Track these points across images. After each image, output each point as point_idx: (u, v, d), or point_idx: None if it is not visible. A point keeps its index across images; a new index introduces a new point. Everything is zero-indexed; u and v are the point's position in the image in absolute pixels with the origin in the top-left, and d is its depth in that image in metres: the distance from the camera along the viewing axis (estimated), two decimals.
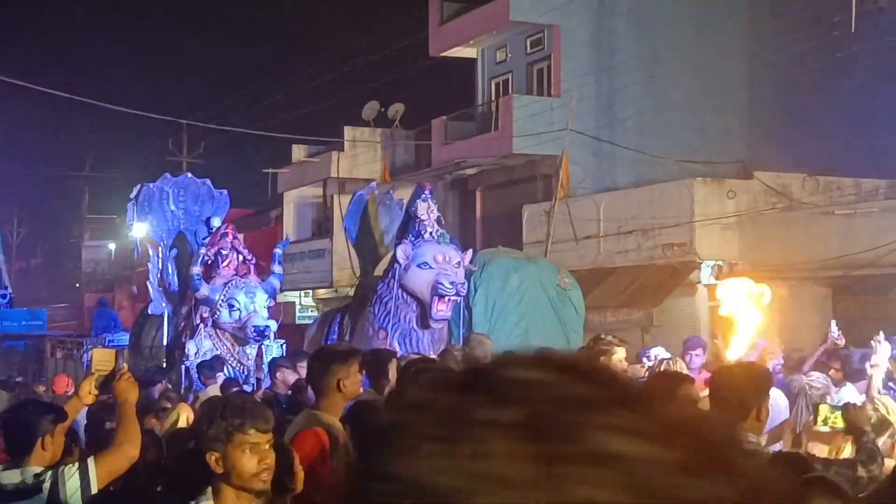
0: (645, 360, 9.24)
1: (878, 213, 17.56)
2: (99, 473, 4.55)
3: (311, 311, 29.79)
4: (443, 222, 12.53)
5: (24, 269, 43.46)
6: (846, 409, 5.77)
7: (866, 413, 5.84)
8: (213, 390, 10.81)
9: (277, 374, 10.10)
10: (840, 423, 5.82)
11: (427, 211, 12.20)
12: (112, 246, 45.95)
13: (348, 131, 29.68)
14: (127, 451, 4.72)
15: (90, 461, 4.62)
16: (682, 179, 20.69)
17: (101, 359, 5.55)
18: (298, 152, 32.73)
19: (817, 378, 7.83)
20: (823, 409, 5.94)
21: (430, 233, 12.09)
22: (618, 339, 7.44)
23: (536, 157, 23.86)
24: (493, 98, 26.16)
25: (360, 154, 29.41)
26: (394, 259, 12.08)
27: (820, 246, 17.93)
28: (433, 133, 26.70)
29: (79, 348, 20.56)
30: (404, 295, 11.86)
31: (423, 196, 12.33)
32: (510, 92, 25.75)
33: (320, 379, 5.09)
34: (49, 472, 4.55)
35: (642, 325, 19.39)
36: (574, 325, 14.57)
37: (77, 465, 4.63)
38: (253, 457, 3.44)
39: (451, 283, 11.50)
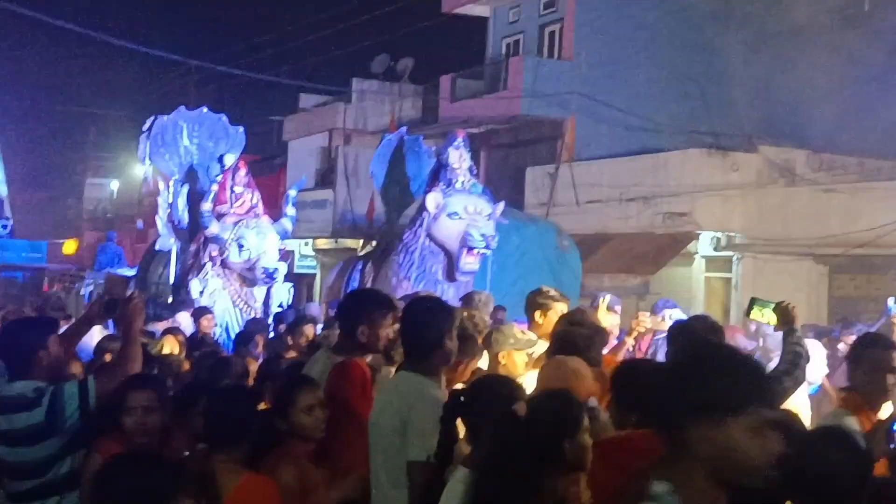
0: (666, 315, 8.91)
1: (881, 192, 17.62)
2: (99, 391, 4.66)
3: (311, 260, 29.93)
4: (474, 171, 12.07)
5: (27, 204, 43.49)
6: (779, 303, 5.24)
7: (797, 315, 5.23)
8: (183, 318, 11.14)
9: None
10: (772, 320, 5.30)
11: (459, 159, 11.75)
12: (115, 185, 45.97)
13: (356, 83, 29.67)
14: (127, 371, 4.83)
15: (90, 379, 4.74)
16: (686, 149, 20.73)
17: (114, 283, 5.72)
18: (305, 101, 32.74)
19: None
20: (757, 303, 5.36)
21: (462, 182, 11.66)
22: (559, 293, 6.72)
23: (543, 120, 23.86)
24: (503, 58, 26.09)
25: (368, 106, 29.40)
26: (422, 207, 11.63)
27: (820, 223, 18.01)
28: (441, 90, 26.65)
29: (79, 281, 20.67)
30: (431, 245, 11.44)
31: (456, 143, 11.85)
32: (520, 52, 25.68)
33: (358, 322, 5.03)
34: (50, 388, 4.67)
35: (638, 292, 19.51)
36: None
37: (78, 382, 4.76)
38: None
39: (482, 235, 11.11)
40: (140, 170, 41.90)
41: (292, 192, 13.89)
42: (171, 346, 8.46)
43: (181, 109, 14.56)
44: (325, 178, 29.04)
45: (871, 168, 19.84)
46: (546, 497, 3.25)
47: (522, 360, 5.68)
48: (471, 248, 11.07)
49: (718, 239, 20.28)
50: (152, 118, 14.35)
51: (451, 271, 11.31)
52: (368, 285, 11.81)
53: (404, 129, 14.10)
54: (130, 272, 18.36)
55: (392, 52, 29.38)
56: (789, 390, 5.00)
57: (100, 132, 47.37)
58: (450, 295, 10.76)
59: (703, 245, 20.49)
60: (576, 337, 5.07)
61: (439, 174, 11.80)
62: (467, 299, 8.33)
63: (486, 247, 11.15)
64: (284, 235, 13.23)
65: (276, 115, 33.57)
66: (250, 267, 12.53)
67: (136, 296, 5.33)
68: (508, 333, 5.79)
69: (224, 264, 12.70)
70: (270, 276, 12.45)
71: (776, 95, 22.90)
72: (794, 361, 4.95)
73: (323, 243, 28.99)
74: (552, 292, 6.66)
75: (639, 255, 20.05)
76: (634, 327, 7.21)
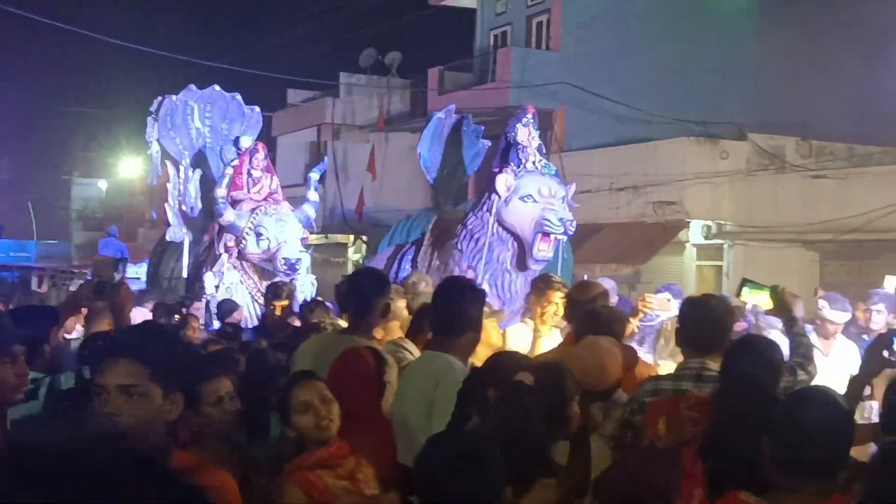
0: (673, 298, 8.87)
1: (870, 178, 17.64)
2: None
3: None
4: (543, 150, 11.12)
5: (15, 204, 43.36)
6: (774, 287, 5.09)
7: (792, 296, 5.06)
8: (141, 314, 10.02)
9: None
10: (762, 302, 5.18)
11: (528, 137, 10.73)
12: (103, 184, 45.84)
13: (344, 77, 29.61)
14: None
15: (85, 369, 4.70)
16: (675, 138, 20.72)
17: (102, 265, 5.60)
18: (293, 97, 32.65)
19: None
20: (748, 284, 5.24)
21: (533, 162, 10.66)
22: (563, 282, 6.77)
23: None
24: (491, 49, 26.06)
25: (356, 101, 29.35)
26: (490, 189, 10.62)
27: (810, 210, 18.03)
28: (429, 82, 26.63)
29: (69, 280, 20.56)
30: (500, 231, 10.48)
31: (525, 120, 10.80)
32: (508, 44, 25.66)
33: (371, 299, 4.94)
34: (47, 379, 4.64)
35: (630, 281, 19.49)
36: (563, 278, 14.54)
37: (74, 373, 4.72)
38: None
39: (560, 219, 10.14)
40: (129, 168, 42.04)
41: (314, 175, 12.72)
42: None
43: (191, 88, 13.55)
44: None
45: (861, 154, 19.86)
46: (552, 462, 3.32)
47: (494, 329, 5.63)
48: (546, 234, 10.13)
49: (709, 227, 20.29)
50: (159, 98, 13.41)
51: (521, 259, 10.35)
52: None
53: (452, 106, 13.11)
54: (138, 269, 17.50)
55: (379, 46, 29.33)
56: (805, 384, 4.90)
57: (87, 131, 47.23)
58: (518, 285, 10.10)
59: (694, 233, 20.49)
60: (603, 314, 5.11)
61: (508, 153, 10.80)
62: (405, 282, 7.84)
63: (565, 232, 10.26)
64: (307, 222, 12.15)
65: (264, 110, 33.43)
66: (270, 257, 11.53)
67: (125, 280, 5.26)
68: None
69: (241, 255, 11.73)
70: (292, 267, 11.37)
71: (764, 83, 22.91)
72: (807, 355, 4.80)
73: (313, 239, 28.74)
74: (557, 279, 6.77)
75: (630, 244, 20.05)
76: (641, 308, 7.19)
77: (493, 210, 10.34)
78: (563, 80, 22.83)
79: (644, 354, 7.10)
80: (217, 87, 13.62)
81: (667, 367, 7.07)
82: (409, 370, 4.59)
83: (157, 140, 13.22)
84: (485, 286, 9.02)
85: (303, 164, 30.02)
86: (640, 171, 20.29)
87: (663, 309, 7.89)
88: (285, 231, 11.60)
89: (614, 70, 23.31)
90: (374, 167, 24.69)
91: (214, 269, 11.70)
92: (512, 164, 10.57)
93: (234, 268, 11.69)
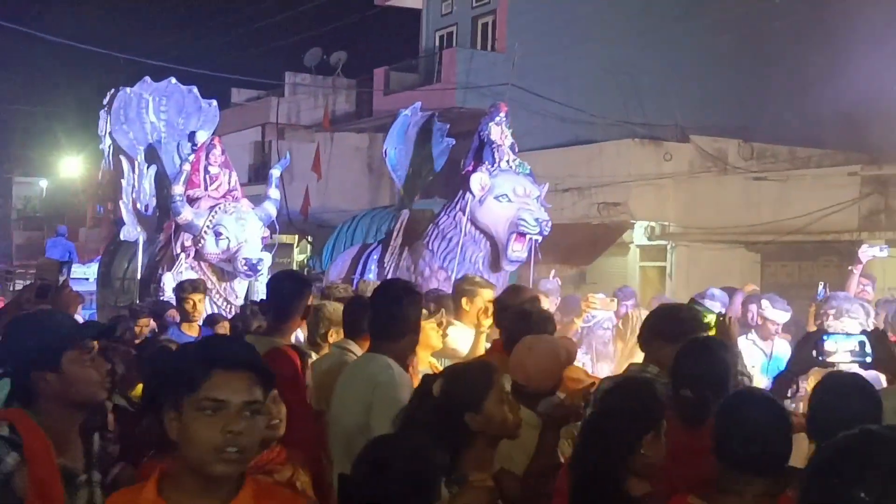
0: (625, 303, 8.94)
1: (810, 180, 17.88)
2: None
3: None
4: (516, 149, 10.97)
5: None
6: (719, 315, 5.03)
7: (736, 327, 5.02)
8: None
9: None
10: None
11: (501, 136, 10.63)
12: (43, 183, 45.16)
13: (289, 77, 29.45)
14: None
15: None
16: (620, 140, 20.85)
17: (46, 268, 5.50)
18: (238, 96, 32.41)
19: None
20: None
21: (507, 161, 10.55)
22: (485, 280, 6.80)
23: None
24: (436, 50, 26.05)
25: (301, 100, 29.20)
26: (464, 188, 10.45)
27: (752, 211, 18.23)
28: (375, 82, 26.58)
29: (10, 280, 20.22)
30: (473, 231, 10.34)
31: (497, 119, 10.69)
32: (454, 45, 25.67)
33: (291, 301, 4.91)
34: None
35: (575, 282, 19.57)
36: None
37: (10, 379, 4.60)
38: None
39: (536, 219, 10.13)
40: (70, 167, 41.44)
41: (275, 172, 12.30)
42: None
43: (146, 81, 12.99)
44: (259, 174, 28.75)
45: (802, 156, 20.15)
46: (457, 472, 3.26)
47: (434, 332, 5.57)
48: (522, 235, 10.09)
49: (652, 228, 20.44)
50: (112, 91, 12.90)
51: (493, 260, 10.28)
52: (391, 276, 10.42)
53: (418, 104, 12.93)
54: (86, 269, 16.89)
55: (325, 46, 29.23)
56: None
57: (27, 129, 46.49)
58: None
59: (638, 234, 20.64)
60: (535, 314, 5.08)
61: (482, 152, 10.67)
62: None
63: (540, 232, 10.23)
64: (268, 221, 11.71)
65: None
66: (229, 258, 11.04)
67: (69, 283, 5.17)
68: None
69: (199, 255, 11.21)
70: (253, 267, 10.94)
71: (707, 86, 23.13)
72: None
73: None
74: (477, 279, 6.75)
75: (574, 245, 20.11)
76: (584, 308, 7.24)
77: (467, 210, 10.23)
78: (509, 82, 22.87)
79: (581, 355, 7.16)
80: (173, 80, 13.15)
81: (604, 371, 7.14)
82: (347, 373, 4.55)
83: (110, 134, 12.76)
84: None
85: (247, 163, 29.80)
86: (585, 172, 20.38)
87: (606, 309, 7.97)
88: (245, 230, 11.18)
89: (560, 72, 23.39)
90: (319, 167, 24.56)
91: (174, 271, 11.22)
92: (486, 162, 10.46)
93: (192, 268, 11.19)
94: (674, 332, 4.41)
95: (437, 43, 26.64)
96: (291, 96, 29.38)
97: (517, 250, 10.15)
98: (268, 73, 30.14)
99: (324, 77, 29.27)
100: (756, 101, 21.63)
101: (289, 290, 5.03)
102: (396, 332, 4.40)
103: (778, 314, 7.74)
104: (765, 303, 7.85)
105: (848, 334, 4.15)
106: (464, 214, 10.29)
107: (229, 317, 9.79)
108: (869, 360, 3.80)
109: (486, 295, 6.38)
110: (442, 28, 26.78)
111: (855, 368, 3.95)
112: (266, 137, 29.37)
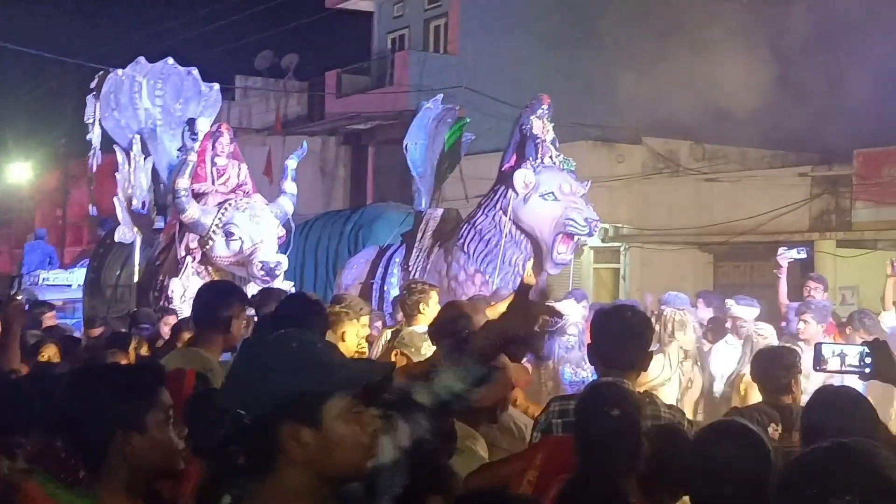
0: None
1: (761, 181, 17.98)
2: None
3: None
4: (557, 144, 10.24)
5: None
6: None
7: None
8: (50, 319, 8.88)
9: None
10: None
11: (543, 129, 9.98)
12: None
13: (240, 80, 29.20)
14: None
15: None
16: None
17: None
18: None
19: (764, 327, 7.69)
20: None
21: (551, 157, 9.88)
22: (429, 283, 6.74)
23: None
24: (388, 53, 25.96)
25: (252, 104, 28.97)
26: (506, 185, 9.74)
27: (703, 212, 18.31)
28: (327, 86, 26.45)
29: None
30: (515, 231, 9.63)
31: (539, 112, 10.07)
32: (406, 47, 25.59)
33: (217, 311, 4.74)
34: None
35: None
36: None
37: None
38: None
39: (585, 219, 9.46)
40: (16, 173, 40.77)
41: (291, 163, 10.93)
42: (49, 354, 7.87)
43: (139, 62, 11.71)
44: None
45: (753, 158, 20.27)
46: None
47: (354, 332, 5.48)
48: (568, 236, 9.44)
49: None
50: (100, 73, 11.76)
51: (537, 262, 9.40)
52: (418, 278, 9.49)
53: (440, 97, 12.14)
54: (70, 275, 15.75)
55: (276, 48, 29.00)
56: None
57: None
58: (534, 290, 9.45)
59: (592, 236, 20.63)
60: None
61: (524, 147, 9.94)
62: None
63: (590, 233, 9.69)
64: (284, 219, 10.46)
65: None
66: (242, 261, 9.77)
67: (17, 296, 5.05)
68: (339, 310, 5.57)
69: (206, 258, 9.97)
70: (271, 272, 9.59)
71: (659, 87, 23.20)
72: None
73: None
74: (421, 284, 6.73)
75: None
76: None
77: (509, 209, 9.56)
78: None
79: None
80: (170, 61, 12.00)
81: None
82: (168, 361, 4.54)
83: (99, 122, 11.56)
84: (502, 293, 8.50)
85: None
86: None
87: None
88: (261, 229, 9.92)
89: (512, 74, 23.37)
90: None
91: (182, 276, 10.02)
92: (529, 158, 9.79)
93: (197, 273, 9.97)
94: None
95: (390, 45, 26.56)
96: (242, 100, 29.13)
97: (563, 252, 9.57)
98: (218, 76, 29.78)
99: (275, 80, 29.06)
100: (707, 102, 21.74)
101: (214, 300, 4.84)
102: (214, 328, 4.57)
103: (744, 310, 7.75)
104: (729, 302, 7.88)
105: (847, 344, 4.07)
106: (505, 214, 9.61)
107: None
108: (868, 370, 3.71)
109: (436, 295, 6.44)
110: (394, 31, 26.70)
111: (854, 379, 3.87)
112: None
